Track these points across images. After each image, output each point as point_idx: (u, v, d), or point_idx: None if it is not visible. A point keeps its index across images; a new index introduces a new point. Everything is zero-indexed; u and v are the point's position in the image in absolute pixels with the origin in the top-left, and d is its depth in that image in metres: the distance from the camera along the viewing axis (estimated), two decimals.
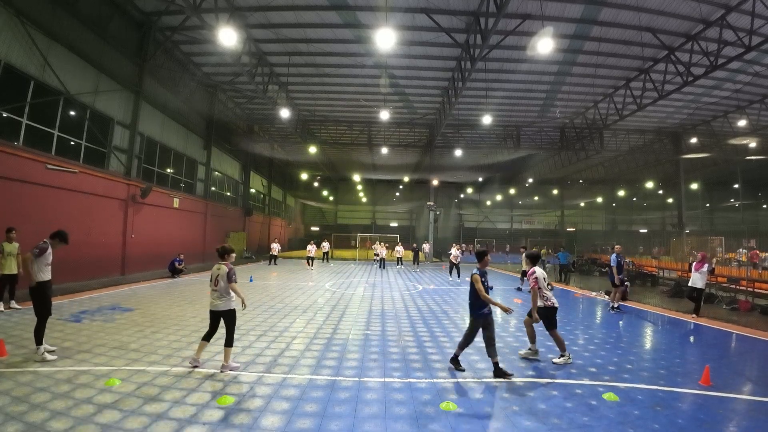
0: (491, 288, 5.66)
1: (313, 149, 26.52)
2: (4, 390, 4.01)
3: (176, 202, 17.42)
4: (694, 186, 36.72)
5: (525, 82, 18.97)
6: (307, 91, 21.23)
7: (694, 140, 26.55)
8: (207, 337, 4.95)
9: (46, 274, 5.17)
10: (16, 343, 5.65)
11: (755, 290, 10.71)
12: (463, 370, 5.02)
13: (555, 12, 13.12)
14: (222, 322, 4.91)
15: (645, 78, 16.92)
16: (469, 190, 47.96)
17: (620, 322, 8.50)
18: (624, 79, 18.22)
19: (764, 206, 39.09)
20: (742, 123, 21.86)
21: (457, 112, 21.92)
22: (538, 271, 5.73)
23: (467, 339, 5.13)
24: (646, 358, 5.97)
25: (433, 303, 10.40)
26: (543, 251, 24.03)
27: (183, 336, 6.40)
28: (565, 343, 5.74)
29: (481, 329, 4.99)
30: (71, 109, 11.78)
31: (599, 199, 45.68)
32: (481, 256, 5.19)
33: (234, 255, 5.17)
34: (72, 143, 11.79)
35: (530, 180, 41.24)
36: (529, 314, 5.87)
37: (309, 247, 21.65)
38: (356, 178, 44.12)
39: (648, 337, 7.46)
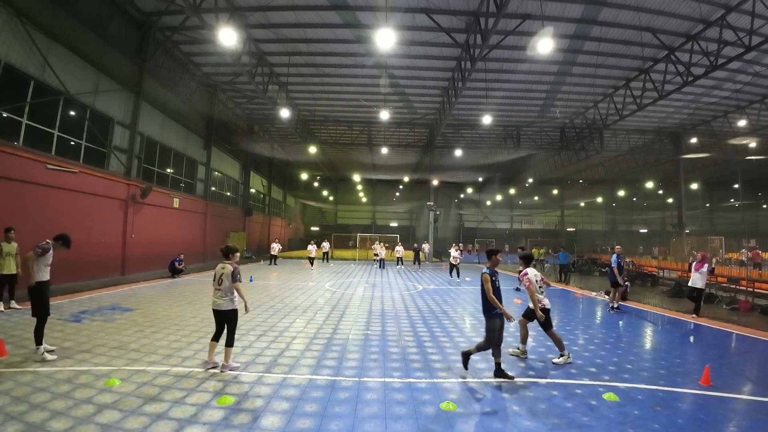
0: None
1: (313, 149, 26.52)
2: (4, 390, 4.01)
3: (176, 202, 17.41)
4: (694, 186, 36.72)
5: (525, 82, 18.96)
6: (307, 91, 21.23)
7: (694, 140, 26.55)
8: (216, 338, 4.95)
9: (44, 275, 5.17)
10: (16, 343, 5.65)
11: (755, 290, 10.71)
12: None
13: (555, 12, 13.12)
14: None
15: (645, 78, 16.92)
16: (469, 190, 47.96)
17: (620, 322, 8.50)
18: (624, 79, 18.22)
19: (764, 206, 39.08)
20: (742, 123, 21.86)
21: (457, 112, 21.92)
22: (531, 271, 5.72)
23: (494, 342, 4.83)
24: (646, 358, 5.97)
25: (433, 303, 10.40)
26: (541, 251, 24.04)
27: (183, 336, 6.40)
28: (564, 342, 5.75)
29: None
30: (71, 109, 11.78)
31: (599, 199, 45.67)
32: (489, 255, 5.12)
33: (239, 255, 5.17)
34: (72, 143, 11.79)
35: (530, 180, 41.25)
36: (525, 315, 5.86)
37: (310, 247, 21.73)
38: (356, 178, 44.12)
39: (648, 337, 7.46)
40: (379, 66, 17.22)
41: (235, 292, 4.88)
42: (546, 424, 3.69)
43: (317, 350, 5.87)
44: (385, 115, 20.03)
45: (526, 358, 5.72)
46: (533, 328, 7.58)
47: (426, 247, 26.99)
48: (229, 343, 4.87)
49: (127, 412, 3.68)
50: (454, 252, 17.08)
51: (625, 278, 10.40)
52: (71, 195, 11.26)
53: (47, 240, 5.23)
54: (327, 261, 25.76)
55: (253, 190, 29.71)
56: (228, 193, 25.05)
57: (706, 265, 8.89)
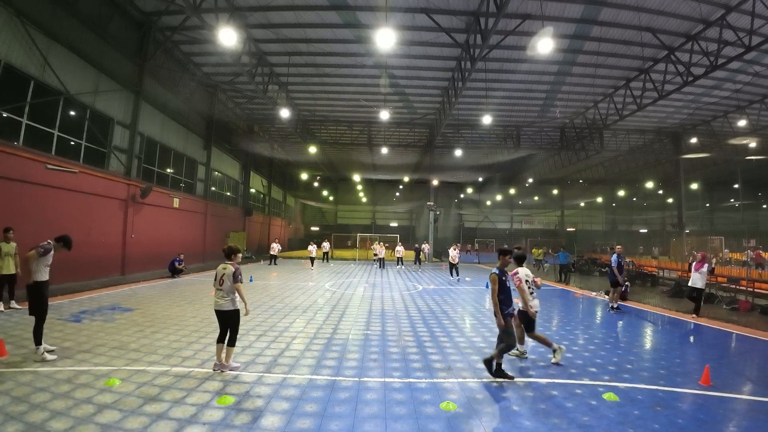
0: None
1: (313, 149, 26.53)
2: (4, 390, 4.01)
3: (176, 202, 17.41)
4: (694, 186, 36.72)
5: (525, 82, 18.96)
6: (307, 91, 21.23)
7: (694, 140, 26.55)
8: (221, 339, 4.92)
9: (44, 275, 5.17)
10: (16, 343, 5.65)
11: (755, 290, 10.71)
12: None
13: (555, 12, 13.12)
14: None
15: (645, 78, 16.92)
16: (469, 190, 47.97)
17: (620, 322, 8.50)
18: (624, 79, 18.22)
19: (764, 206, 39.08)
20: (742, 123, 21.86)
21: (457, 112, 21.91)
22: (522, 271, 5.69)
23: (510, 340, 4.85)
24: (646, 358, 5.97)
25: (433, 303, 10.40)
26: (539, 251, 24.00)
27: (183, 336, 6.40)
28: (564, 343, 5.75)
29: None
30: (71, 109, 11.78)
31: (599, 199, 45.68)
32: (500, 255, 5.06)
33: (240, 255, 5.17)
34: (72, 143, 11.79)
35: (530, 180, 41.25)
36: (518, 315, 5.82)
37: (310, 247, 21.80)
38: (356, 178, 44.13)
39: (648, 337, 7.46)
40: (379, 66, 17.22)
41: (236, 292, 4.87)
42: (546, 424, 3.68)
43: (317, 350, 5.87)
44: (385, 115, 20.03)
45: (526, 358, 5.72)
46: (540, 331, 7.58)
47: (426, 247, 27.01)
48: (231, 343, 4.87)
49: (127, 412, 3.68)
50: (452, 251, 17.29)
51: (626, 278, 10.39)
52: (71, 195, 11.26)
53: (49, 240, 5.23)
54: (327, 261, 25.77)
55: (253, 190, 29.72)
56: (228, 193, 25.06)
57: (706, 265, 8.89)
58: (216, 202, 22.42)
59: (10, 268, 7.75)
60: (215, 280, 4.91)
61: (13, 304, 7.92)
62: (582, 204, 47.65)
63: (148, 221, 15.08)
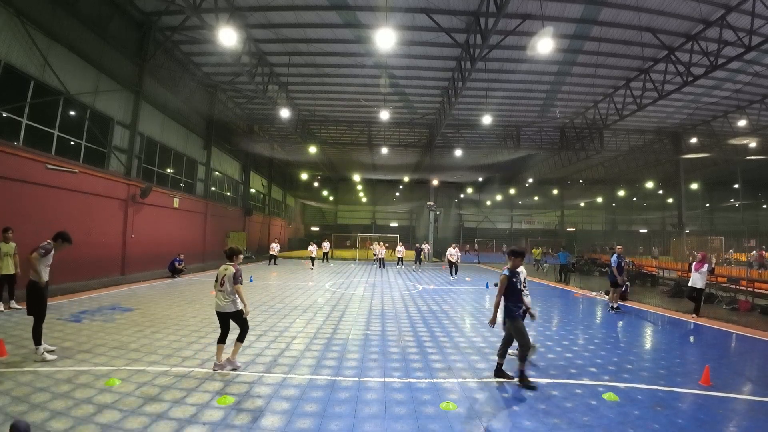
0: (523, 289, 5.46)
1: (313, 149, 26.53)
2: (4, 390, 4.01)
3: (176, 202, 17.41)
4: (694, 186, 36.73)
5: (525, 82, 18.96)
6: (307, 91, 21.23)
7: (694, 140, 26.55)
8: (221, 340, 4.93)
9: (44, 275, 5.17)
10: (16, 343, 5.65)
11: (755, 290, 10.71)
12: (535, 388, 4.52)
13: (555, 12, 13.12)
14: (233, 323, 4.93)
15: (645, 78, 16.92)
16: (469, 190, 47.98)
17: (620, 322, 8.50)
18: (624, 79, 18.22)
19: (764, 206, 39.08)
20: (742, 123, 21.86)
21: (457, 112, 21.91)
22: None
23: (525, 343, 4.67)
24: (646, 358, 5.97)
25: (433, 303, 10.40)
26: (538, 250, 23.99)
27: (183, 336, 6.40)
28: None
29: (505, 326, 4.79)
30: (71, 109, 11.78)
31: (599, 199, 45.69)
32: (510, 256, 4.93)
33: (242, 256, 5.17)
34: (72, 143, 11.79)
35: (530, 180, 41.26)
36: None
37: (311, 247, 21.85)
38: (356, 178, 44.14)
39: (648, 337, 7.46)
40: (379, 66, 17.22)
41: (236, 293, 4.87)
42: (546, 424, 3.68)
43: (317, 350, 5.87)
44: (385, 115, 20.03)
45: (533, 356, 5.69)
46: (534, 328, 7.59)
47: (426, 247, 27.02)
48: (241, 338, 4.90)
49: (127, 412, 3.68)
50: (451, 250, 17.74)
51: (626, 278, 10.38)
52: (71, 195, 11.26)
53: (48, 240, 5.22)
54: (327, 261, 25.78)
55: (253, 190, 29.72)
56: (228, 193, 25.06)
57: (706, 265, 8.89)
58: (216, 202, 22.42)
59: (10, 268, 7.74)
60: (216, 281, 4.91)
61: (13, 304, 7.92)
62: (582, 204, 47.65)
63: (148, 221, 15.08)
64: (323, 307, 9.45)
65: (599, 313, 9.62)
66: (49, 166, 10.43)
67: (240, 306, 4.90)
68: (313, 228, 48.63)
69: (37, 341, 5.02)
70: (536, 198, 49.32)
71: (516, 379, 4.73)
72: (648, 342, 7.12)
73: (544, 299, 11.52)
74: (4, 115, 9.62)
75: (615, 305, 9.73)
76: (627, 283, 10.80)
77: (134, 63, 14.25)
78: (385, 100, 21.02)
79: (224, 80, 19.58)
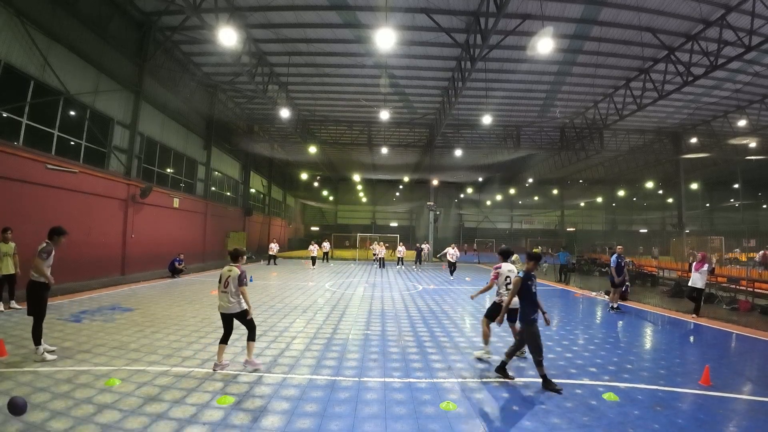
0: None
1: (313, 149, 26.52)
2: (4, 390, 4.01)
3: (176, 202, 17.41)
4: (694, 186, 36.72)
5: (525, 82, 18.96)
6: (307, 91, 21.23)
7: (694, 140, 26.55)
8: (224, 340, 4.93)
9: (50, 276, 5.18)
10: (16, 343, 5.65)
11: (755, 290, 10.71)
12: (560, 391, 4.42)
13: (555, 12, 13.12)
14: (237, 323, 4.94)
15: (645, 78, 16.92)
16: (469, 190, 47.97)
17: (620, 322, 8.50)
18: (624, 79, 18.22)
19: (764, 206, 39.08)
20: (742, 123, 21.85)
21: (457, 112, 21.91)
22: (505, 267, 5.59)
23: (538, 350, 4.57)
24: (646, 358, 5.97)
25: (433, 303, 10.40)
26: (536, 250, 24.01)
27: (183, 336, 6.40)
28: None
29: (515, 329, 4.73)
30: (71, 109, 11.78)
31: (599, 199, 45.68)
32: (527, 259, 4.94)
33: (246, 257, 5.17)
34: (72, 143, 11.78)
35: (530, 180, 41.25)
36: (487, 314, 5.71)
37: (311, 247, 21.91)
38: (356, 178, 44.13)
39: (648, 337, 7.46)
40: (379, 66, 17.22)
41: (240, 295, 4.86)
42: (546, 424, 3.69)
43: (317, 350, 5.87)
44: (385, 115, 20.03)
45: (525, 357, 5.67)
46: (541, 331, 7.57)
47: (425, 247, 27.02)
48: (251, 338, 4.90)
49: (127, 412, 3.68)
50: (450, 250, 18.02)
51: (626, 278, 10.37)
52: (71, 195, 11.25)
53: (45, 241, 5.20)
54: (327, 261, 25.80)
55: (253, 190, 29.72)
56: (228, 193, 25.05)
57: (706, 265, 8.89)
58: (216, 202, 22.41)
59: (9, 268, 7.74)
60: (219, 282, 4.89)
61: (13, 304, 7.92)
62: (582, 204, 47.64)
63: (148, 221, 15.08)
64: (323, 307, 9.45)
65: (599, 313, 9.62)
66: (49, 166, 10.43)
67: (244, 305, 4.90)
68: (313, 228, 48.63)
69: (37, 341, 5.02)
70: (536, 198, 49.31)
71: (514, 379, 4.73)
72: (648, 342, 7.12)
73: (544, 299, 11.40)
74: (4, 115, 9.61)
75: (615, 305, 9.73)
76: (627, 283, 10.78)
77: (134, 63, 14.25)
78: (385, 100, 21.01)
79: (224, 80, 19.57)
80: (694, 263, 9.12)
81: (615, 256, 9.90)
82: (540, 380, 4.60)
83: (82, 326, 6.80)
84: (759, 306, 9.81)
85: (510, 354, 4.91)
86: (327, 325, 7.54)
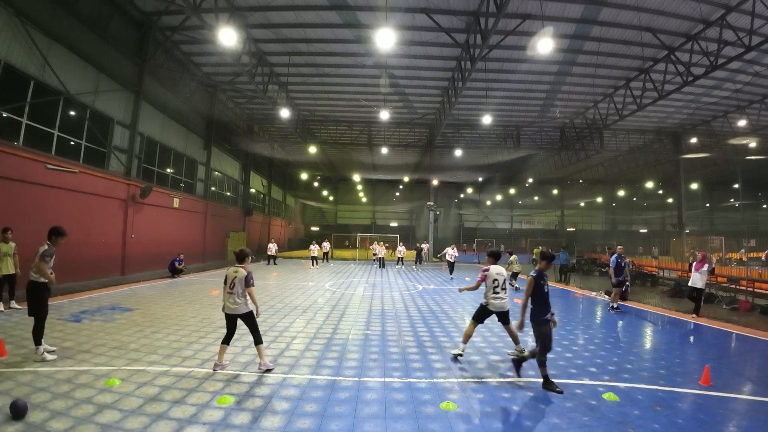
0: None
1: (313, 149, 26.52)
2: (4, 390, 4.01)
3: (176, 202, 17.41)
4: (694, 186, 36.73)
5: (525, 82, 18.96)
6: (307, 91, 21.23)
7: (694, 140, 26.55)
8: (226, 341, 4.93)
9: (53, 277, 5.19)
10: (16, 343, 5.65)
11: (755, 290, 10.70)
12: (561, 392, 4.38)
13: (555, 12, 13.12)
14: (240, 324, 4.93)
15: (645, 78, 16.92)
16: (469, 190, 47.98)
17: (620, 322, 8.50)
18: (624, 79, 18.22)
19: (764, 206, 39.08)
20: (742, 123, 21.86)
21: (457, 112, 21.91)
22: (493, 269, 5.52)
23: (545, 350, 4.54)
24: (646, 358, 5.97)
25: (433, 303, 10.40)
26: (536, 250, 23.94)
27: (183, 336, 6.40)
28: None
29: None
30: (71, 109, 11.78)
31: (599, 199, 45.68)
32: (541, 258, 4.88)
33: (251, 258, 5.17)
34: (72, 143, 11.79)
35: (530, 180, 41.26)
36: (474, 318, 5.69)
37: (312, 247, 21.93)
38: (356, 178, 44.13)
39: (648, 337, 7.46)
40: (379, 66, 17.22)
41: (247, 295, 4.86)
42: (546, 424, 3.69)
43: (317, 350, 5.87)
44: (385, 115, 20.03)
45: (525, 358, 5.66)
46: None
47: (425, 247, 27.02)
48: (258, 341, 4.87)
49: (127, 412, 3.68)
50: (449, 250, 18.16)
51: (626, 278, 10.36)
52: (71, 195, 11.26)
53: (45, 243, 5.20)
54: (327, 261, 25.81)
55: (253, 190, 29.72)
56: (228, 193, 25.05)
57: (706, 265, 8.89)
58: (216, 202, 22.42)
59: (9, 268, 7.74)
60: (225, 283, 4.88)
61: (13, 304, 7.92)
62: (582, 204, 47.64)
63: (148, 221, 15.08)
64: (323, 307, 9.45)
65: (599, 313, 9.62)
66: (49, 166, 10.43)
67: (250, 307, 4.89)
68: (313, 228, 48.63)
69: (38, 341, 5.02)
70: (536, 198, 49.32)
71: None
72: (648, 342, 7.12)
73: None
74: (4, 115, 9.62)
75: (615, 305, 9.73)
76: (628, 283, 10.78)
77: (134, 63, 14.25)
78: (385, 100, 21.01)
79: (224, 80, 19.57)
80: (695, 263, 9.12)
81: (615, 256, 9.90)
82: (540, 380, 4.60)
83: (82, 326, 6.80)
84: (759, 306, 9.81)
85: (542, 366, 4.60)
86: (327, 325, 7.54)
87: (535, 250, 25.12)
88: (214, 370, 4.82)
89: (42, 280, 5.10)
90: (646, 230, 43.67)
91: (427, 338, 6.72)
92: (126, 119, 14.06)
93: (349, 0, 12.86)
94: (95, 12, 12.26)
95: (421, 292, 12.64)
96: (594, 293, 12.61)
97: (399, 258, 22.65)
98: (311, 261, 21.90)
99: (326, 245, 26.02)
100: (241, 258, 4.99)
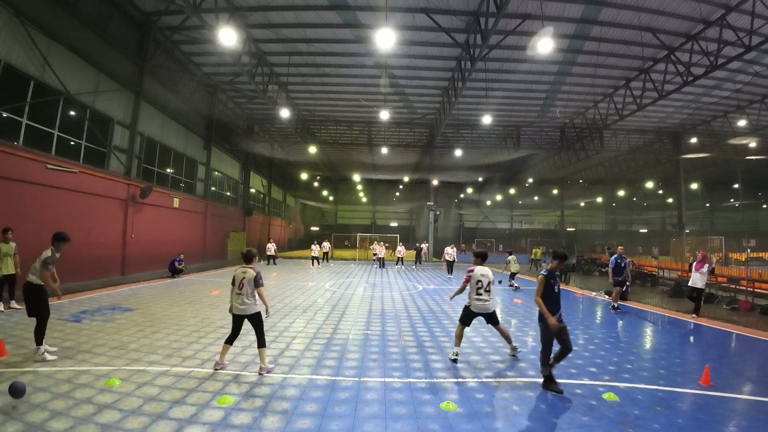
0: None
1: (313, 149, 26.52)
2: (4, 390, 4.01)
3: (176, 202, 17.41)
4: (694, 186, 36.73)
5: (525, 82, 18.96)
6: (307, 91, 21.23)
7: (694, 140, 26.55)
8: (230, 341, 4.94)
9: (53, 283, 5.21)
10: (16, 343, 5.65)
11: (755, 290, 10.70)
12: (561, 392, 4.40)
13: (555, 12, 13.12)
14: (247, 326, 4.93)
15: (645, 78, 16.92)
16: (469, 190, 47.98)
17: (620, 322, 8.50)
18: (624, 79, 18.22)
19: (764, 206, 39.09)
20: (742, 123, 21.86)
21: (457, 112, 21.91)
22: (478, 270, 5.49)
23: (545, 351, 4.56)
24: (646, 358, 5.97)
25: (433, 303, 10.40)
26: (537, 250, 23.90)
27: (183, 336, 6.40)
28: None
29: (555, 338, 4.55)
30: (71, 109, 11.78)
31: (599, 199, 45.69)
32: (552, 258, 4.85)
33: (257, 258, 5.19)
34: (72, 143, 11.79)
35: (530, 180, 41.26)
36: (460, 320, 5.66)
37: (313, 247, 21.96)
38: (356, 178, 44.14)
39: (648, 337, 7.46)
40: (379, 66, 17.22)
41: (257, 295, 4.86)
42: (546, 424, 3.69)
43: (317, 350, 5.87)
44: (385, 115, 20.03)
45: (516, 357, 5.66)
46: (534, 328, 7.60)
47: (424, 247, 27.02)
48: (262, 344, 4.86)
49: (127, 412, 3.68)
50: (449, 249, 18.44)
51: (627, 278, 10.35)
52: (71, 195, 11.26)
53: (50, 248, 5.17)
54: (327, 261, 25.82)
55: (253, 190, 29.72)
56: (228, 193, 25.05)
57: (706, 265, 8.89)
58: (216, 202, 22.42)
59: (9, 268, 7.75)
60: (233, 284, 4.88)
61: (13, 304, 7.93)
62: (582, 204, 47.65)
63: (148, 221, 15.08)
64: (323, 307, 9.45)
65: (599, 313, 9.63)
66: (49, 166, 10.43)
67: (258, 308, 4.89)
68: (313, 228, 48.65)
69: (39, 341, 5.02)
70: (536, 198, 49.33)
71: (516, 379, 4.71)
72: (648, 342, 7.12)
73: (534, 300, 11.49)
74: (4, 115, 9.62)
75: (615, 305, 9.73)
76: (628, 284, 10.78)
77: (134, 63, 14.25)
78: (385, 100, 21.02)
79: (224, 80, 19.57)
80: (695, 263, 9.11)
81: (614, 256, 9.89)
82: (541, 380, 4.61)
83: (82, 326, 6.80)
84: (759, 306, 9.81)
85: (557, 358, 4.62)
86: (327, 325, 7.54)
87: (534, 250, 25.08)
88: (214, 369, 4.83)
89: (39, 282, 5.09)
90: (646, 230, 43.67)
91: (427, 338, 6.72)
92: (126, 119, 14.06)
93: (349, 0, 12.86)
94: (95, 12, 12.26)
95: (421, 292, 12.64)
96: (594, 293, 12.61)
97: (399, 258, 22.66)
98: (312, 261, 21.94)
99: (326, 245, 26.04)
100: (248, 258, 5.01)
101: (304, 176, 42.52)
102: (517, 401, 4.19)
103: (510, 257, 14.03)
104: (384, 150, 27.07)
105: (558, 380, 4.70)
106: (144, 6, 13.66)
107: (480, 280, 5.45)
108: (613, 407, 4.06)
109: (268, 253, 21.93)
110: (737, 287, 11.23)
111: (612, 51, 15.59)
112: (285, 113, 19.23)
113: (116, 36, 13.16)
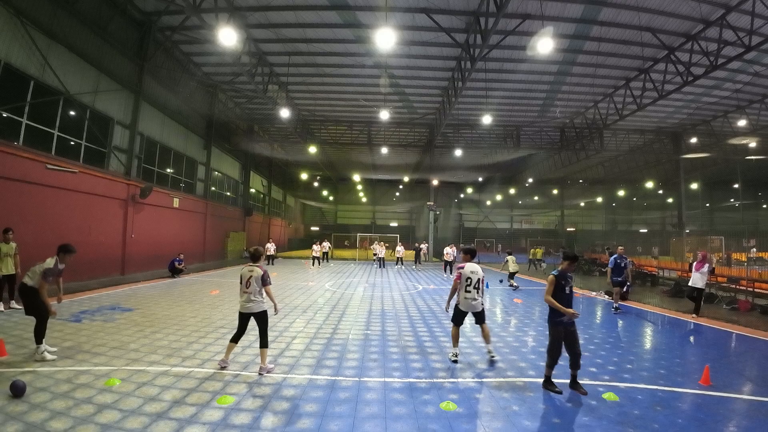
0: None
1: (313, 149, 26.54)
2: (4, 390, 4.01)
3: (176, 202, 17.42)
4: (694, 186, 36.72)
5: (525, 82, 18.97)
6: (307, 91, 21.23)
7: (694, 140, 26.56)
8: (235, 339, 4.96)
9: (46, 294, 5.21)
10: (16, 343, 5.65)
11: (755, 290, 10.70)
12: (560, 392, 4.39)
13: (555, 12, 13.12)
14: (251, 324, 4.95)
15: (645, 78, 16.93)
16: (469, 190, 47.99)
17: (620, 322, 8.49)
18: (624, 79, 18.23)
19: (764, 206, 39.09)
20: (742, 123, 21.87)
21: (457, 112, 21.92)
22: (468, 267, 5.43)
23: (551, 353, 4.51)
24: (646, 358, 5.96)
25: (433, 303, 10.40)
26: (537, 250, 23.86)
27: (183, 336, 6.40)
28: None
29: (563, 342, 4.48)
30: (71, 109, 11.78)
31: (599, 199, 45.68)
32: (564, 258, 4.74)
33: (264, 257, 5.20)
34: (72, 143, 11.79)
35: (530, 180, 41.27)
36: (453, 319, 5.61)
37: (315, 246, 21.98)
38: (356, 178, 44.13)
39: (648, 337, 7.45)
40: (379, 66, 17.22)
41: (264, 293, 4.87)
42: (546, 424, 3.69)
43: (317, 350, 5.86)
44: (385, 115, 20.04)
45: (494, 360, 5.58)
46: (534, 328, 7.60)
47: (425, 246, 27.02)
48: (264, 344, 4.86)
49: (127, 412, 3.68)
50: (448, 249, 18.52)
51: (628, 279, 10.33)
52: (71, 195, 11.26)
53: (55, 259, 5.15)
54: (327, 261, 25.83)
55: (253, 190, 29.72)
56: (228, 193, 25.06)
57: (706, 265, 8.89)
58: (216, 202, 22.42)
59: (10, 268, 7.75)
60: (241, 282, 4.90)
61: (13, 304, 7.93)
62: (582, 204, 47.65)
63: (148, 221, 15.09)
64: (323, 307, 9.45)
65: (599, 313, 9.62)
66: (49, 166, 10.43)
67: (265, 306, 4.91)
68: (313, 228, 48.65)
69: (39, 340, 5.02)
70: (536, 198, 49.35)
71: (516, 379, 4.71)
72: (648, 342, 7.11)
73: (543, 299, 11.50)
74: (4, 115, 9.62)
75: (616, 305, 9.72)
76: (628, 284, 10.78)
77: (134, 63, 14.26)
78: (385, 100, 21.02)
79: (224, 80, 19.58)
80: (695, 263, 9.11)
81: (614, 257, 9.88)
82: (541, 380, 4.60)
83: (82, 326, 6.80)
84: (759, 306, 9.80)
85: (574, 366, 4.53)
86: (327, 325, 7.54)
87: (532, 251, 25.03)
88: (219, 365, 4.86)
89: (34, 285, 5.09)
90: (646, 230, 43.68)
91: (427, 338, 6.72)
92: (126, 119, 14.07)
93: (349, 0, 12.86)
94: (95, 12, 12.26)
95: (420, 292, 12.64)
96: (594, 293, 12.61)
97: (398, 258, 22.66)
98: (312, 261, 21.96)
99: (326, 245, 26.05)
100: (255, 257, 5.04)
101: (304, 176, 42.52)
102: (517, 401, 4.19)
103: (509, 257, 14.05)
104: (384, 150, 27.09)
105: (558, 380, 4.70)
106: (144, 6, 13.67)
107: (469, 277, 5.40)
108: (613, 407, 4.06)
109: (268, 253, 21.97)
110: (737, 287, 11.23)
111: (612, 51, 15.59)
112: (285, 113, 19.23)
113: (116, 36, 13.16)
